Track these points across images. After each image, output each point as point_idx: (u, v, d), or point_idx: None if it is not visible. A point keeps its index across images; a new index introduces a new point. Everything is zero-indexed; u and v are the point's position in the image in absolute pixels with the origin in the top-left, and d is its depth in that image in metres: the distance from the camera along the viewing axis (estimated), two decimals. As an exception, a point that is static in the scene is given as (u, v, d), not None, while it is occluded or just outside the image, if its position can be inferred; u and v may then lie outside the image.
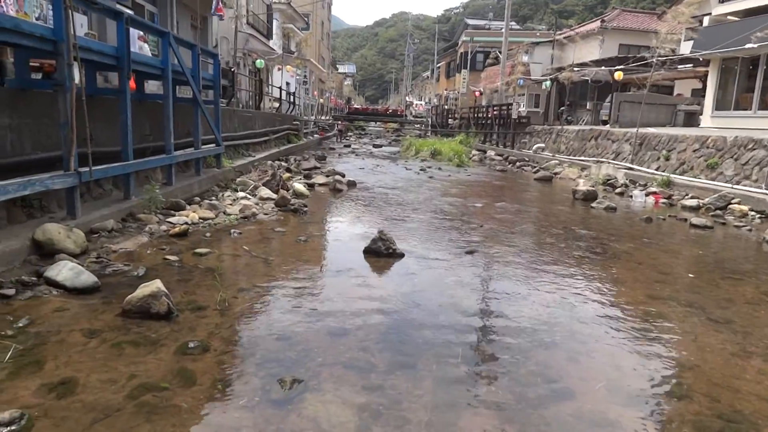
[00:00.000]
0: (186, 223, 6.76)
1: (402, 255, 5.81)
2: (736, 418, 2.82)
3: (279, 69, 27.86)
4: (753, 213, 9.67)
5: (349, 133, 41.43)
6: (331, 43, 71.32)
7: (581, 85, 26.07)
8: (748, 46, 13.59)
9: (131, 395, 2.70)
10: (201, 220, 6.99)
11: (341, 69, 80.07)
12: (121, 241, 5.56)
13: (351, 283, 4.80)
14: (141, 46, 9.20)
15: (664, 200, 11.27)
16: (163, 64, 8.05)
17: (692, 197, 11.13)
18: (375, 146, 28.39)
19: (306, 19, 42.14)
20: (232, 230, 6.56)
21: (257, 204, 8.41)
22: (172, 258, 5.20)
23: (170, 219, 6.78)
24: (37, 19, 5.96)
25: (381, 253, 5.77)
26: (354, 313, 4.03)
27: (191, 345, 3.31)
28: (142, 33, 8.75)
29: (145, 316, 3.66)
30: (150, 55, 8.58)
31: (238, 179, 10.31)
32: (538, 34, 40.14)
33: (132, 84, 8.94)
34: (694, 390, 3.12)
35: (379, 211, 8.84)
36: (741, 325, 4.19)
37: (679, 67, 21.79)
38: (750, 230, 8.42)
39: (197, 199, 8.04)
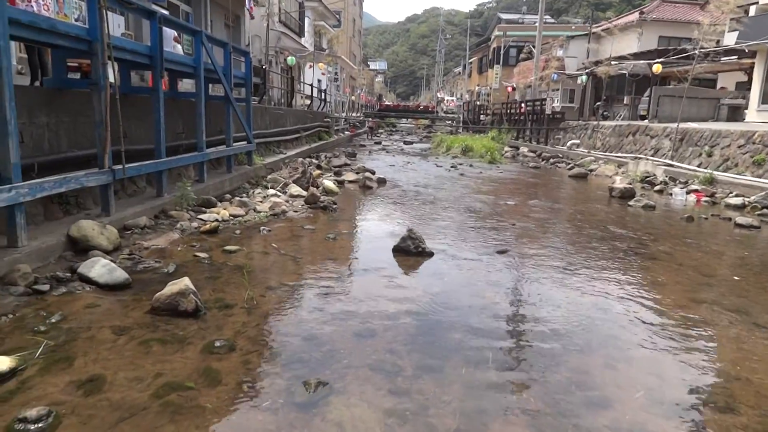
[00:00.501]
0: (217, 220, 6.82)
1: (431, 254, 5.71)
2: (788, 434, 2.63)
3: (310, 66, 28.00)
4: (803, 212, 9.19)
5: (380, 130, 41.39)
6: (362, 39, 71.41)
7: (618, 79, 25.31)
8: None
9: (157, 394, 2.69)
10: (231, 217, 7.04)
11: (372, 66, 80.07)
12: (153, 238, 5.63)
13: (379, 283, 4.73)
14: (175, 45, 9.35)
15: (707, 198, 10.82)
16: (196, 63, 8.13)
17: (737, 195, 10.65)
18: (406, 143, 28.26)
19: (337, 16, 42.28)
20: (262, 227, 6.57)
21: (287, 201, 8.43)
22: (202, 255, 5.23)
23: (201, 216, 6.85)
24: (76, 20, 6.10)
25: (410, 252, 5.68)
26: (381, 314, 3.96)
27: (217, 344, 3.30)
28: (176, 33, 8.89)
29: (174, 313, 3.68)
30: (183, 54, 8.70)
31: (269, 176, 10.36)
32: (573, 27, 39.17)
33: (165, 83, 9.12)
34: (741, 402, 2.93)
35: (409, 209, 8.74)
36: (792, 333, 3.94)
37: (723, 59, 20.92)
38: (800, 230, 7.99)
39: (228, 196, 8.10)
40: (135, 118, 7.24)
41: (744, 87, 22.86)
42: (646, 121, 19.32)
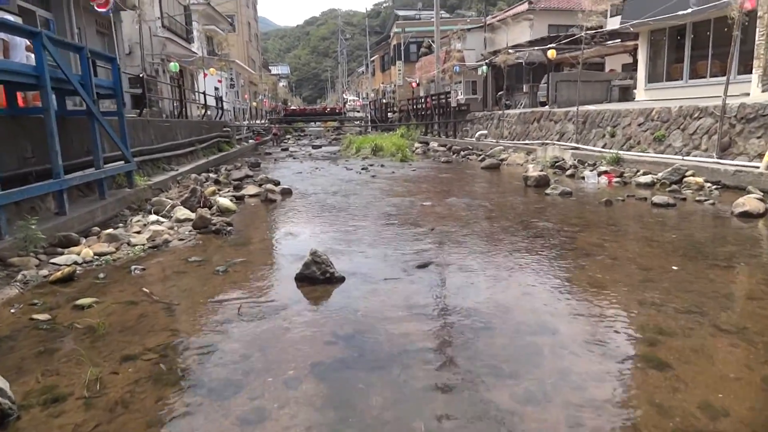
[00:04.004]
0: (75, 263, 5.49)
1: (342, 279, 4.80)
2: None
3: (205, 75, 26.13)
4: (709, 184, 9.27)
5: (288, 136, 39.88)
6: (261, 45, 69.02)
7: (516, 68, 25.81)
8: (689, 10, 13.31)
9: None
10: (96, 257, 5.72)
11: (274, 70, 77.79)
12: (-23, 301, 4.28)
13: (276, 331, 3.74)
14: (28, 56, 7.80)
15: (617, 179, 10.79)
16: (38, 71, 6.66)
17: (645, 173, 10.69)
18: (314, 147, 27.17)
19: (230, 20, 40.22)
20: (134, 266, 5.34)
21: (172, 228, 7.17)
22: (42, 317, 3.98)
23: (55, 260, 5.50)
24: None
25: (317, 280, 4.74)
26: (278, 383, 2.99)
27: (21, 477, 2.19)
28: (27, 42, 7.40)
29: (-36, 429, 2.50)
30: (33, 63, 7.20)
31: (154, 199, 8.98)
32: (468, 20, 39.86)
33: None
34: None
35: (317, 223, 7.79)
36: (756, 332, 3.45)
37: (608, 43, 21.83)
38: (713, 204, 7.93)
39: (96, 229, 6.72)
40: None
41: (630, 68, 24.03)
42: (547, 107, 19.64)
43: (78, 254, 5.70)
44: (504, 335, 3.57)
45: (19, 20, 10.04)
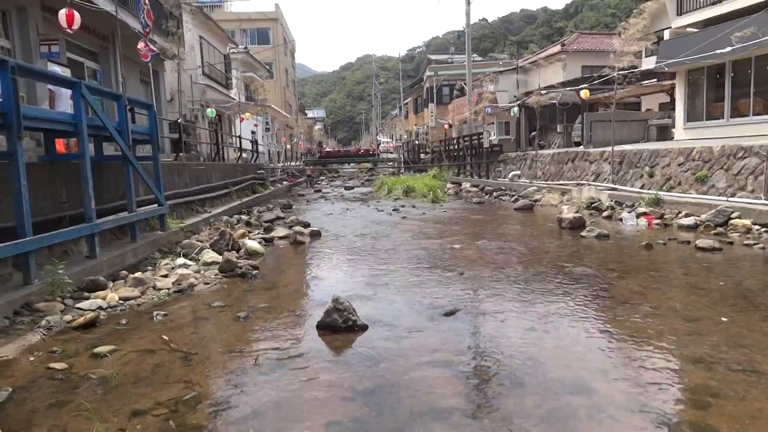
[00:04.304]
0: (100, 308, 5.49)
1: (365, 327, 4.61)
2: None
3: (242, 119, 26.95)
4: (757, 227, 8.76)
5: (321, 178, 40.47)
6: (299, 89, 71.27)
7: (549, 108, 25.65)
8: (728, 49, 12.99)
9: None
10: (120, 302, 5.71)
11: (310, 114, 79.97)
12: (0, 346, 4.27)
13: (293, 384, 3.56)
14: (71, 104, 8.14)
15: (657, 221, 10.33)
16: (76, 119, 6.89)
17: (687, 215, 10.22)
18: (347, 188, 27.38)
19: (268, 67, 41.79)
20: (156, 312, 5.29)
21: (199, 271, 7.16)
22: (59, 366, 3.91)
23: (80, 304, 5.50)
24: None
25: (338, 328, 4.57)
26: (288, 441, 2.80)
27: None
28: (71, 91, 7.73)
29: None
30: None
31: (184, 241, 9.05)
32: (500, 63, 40.23)
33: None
34: None
35: (344, 266, 7.65)
36: (823, 397, 3.07)
37: (644, 82, 21.52)
38: (763, 248, 7.44)
39: (124, 273, 6.75)
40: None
41: (667, 107, 23.57)
42: (581, 147, 19.31)
43: (104, 299, 5.70)
44: (536, 393, 3.28)
45: (67, 71, 10.58)
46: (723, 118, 16.44)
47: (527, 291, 5.77)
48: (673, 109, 20.19)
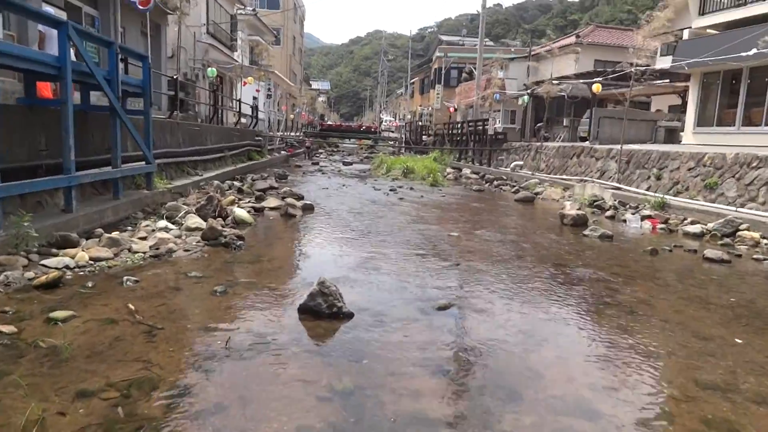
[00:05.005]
0: (66, 266, 5.08)
1: (350, 315, 4.24)
2: None
3: (245, 83, 26.23)
4: (766, 241, 8.42)
5: (321, 151, 39.84)
6: (305, 60, 69.95)
7: (558, 101, 25.11)
8: (752, 52, 12.48)
9: None
10: (90, 262, 5.30)
11: (315, 85, 78.70)
12: (-53, 302, 3.86)
13: (264, 375, 3.19)
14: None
15: (662, 225, 9.97)
16: (60, 62, 6.38)
17: (693, 222, 9.86)
18: (345, 164, 26.85)
19: (276, 32, 40.75)
20: (127, 277, 4.88)
21: (180, 236, 6.75)
22: (6, 330, 3.52)
23: (46, 261, 5.09)
24: None
25: (322, 314, 4.19)
26: (250, 445, 2.43)
27: None
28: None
29: None
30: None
31: (169, 204, 8.61)
32: (512, 50, 39.42)
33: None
34: None
35: (334, 245, 7.26)
36: None
37: (657, 82, 20.99)
38: (774, 265, 7.11)
39: (99, 231, 6.32)
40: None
41: (677, 110, 23.10)
42: (587, 142, 18.87)
43: (72, 257, 5.29)
44: (535, 412, 2.93)
45: (63, 15, 9.99)
46: (734, 125, 16.01)
47: (527, 290, 5.40)
48: (684, 111, 19.73)
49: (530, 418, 2.86)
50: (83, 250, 5.52)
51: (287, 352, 3.51)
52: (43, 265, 4.99)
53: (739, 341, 4.15)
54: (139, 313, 4.03)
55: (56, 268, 4.96)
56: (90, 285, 4.67)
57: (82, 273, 5.03)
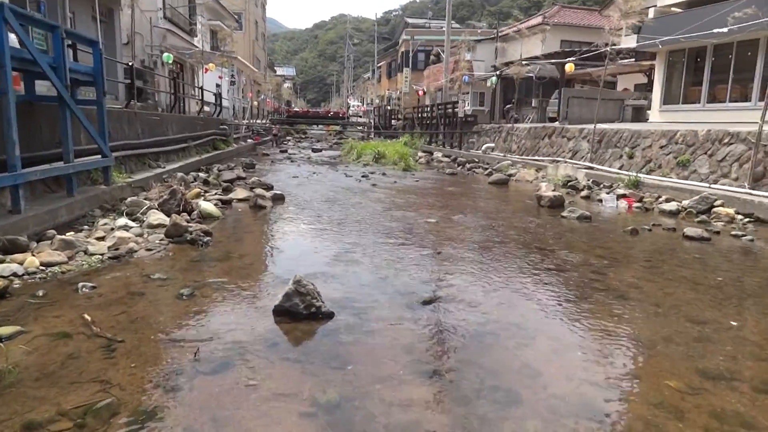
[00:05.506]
0: (14, 274, 4.62)
1: (331, 315, 3.94)
2: None
3: (206, 70, 25.30)
4: (740, 216, 8.46)
5: (288, 138, 39.05)
6: (269, 45, 68.33)
7: (526, 82, 25.06)
8: (725, 29, 12.50)
9: None
10: (42, 268, 4.84)
11: (279, 71, 77.13)
12: None
13: (238, 390, 2.87)
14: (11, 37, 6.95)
15: (638, 204, 9.95)
16: (-4, 49, 5.79)
17: (668, 199, 9.87)
18: (314, 150, 26.31)
19: (237, 17, 39.51)
20: (82, 283, 4.46)
21: (141, 235, 6.29)
22: (-60, 353, 3.10)
23: (-9, 269, 4.62)
24: None
25: (299, 315, 3.88)
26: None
27: None
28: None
29: None
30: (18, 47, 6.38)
31: (130, 199, 8.10)
32: (479, 32, 39.21)
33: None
34: None
35: (308, 237, 6.92)
36: None
37: (624, 61, 21.11)
38: (752, 240, 7.09)
39: (51, 232, 5.82)
40: None
41: (643, 88, 23.33)
42: (557, 123, 18.87)
43: (21, 263, 4.83)
44: (537, 416, 2.70)
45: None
46: (699, 102, 16.20)
47: (512, 278, 5.19)
48: (650, 90, 19.91)
49: (533, 423, 2.63)
50: (33, 255, 5.05)
51: (263, 361, 3.20)
52: (-12, 274, 4.52)
53: (734, 323, 4.03)
54: (96, 324, 3.64)
55: (2, 277, 4.50)
56: (41, 294, 4.23)
57: (31, 281, 4.58)
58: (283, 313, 3.90)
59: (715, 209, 8.84)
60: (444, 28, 31.56)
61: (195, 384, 2.90)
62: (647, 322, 4.03)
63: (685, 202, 9.31)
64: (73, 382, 2.88)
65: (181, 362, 3.15)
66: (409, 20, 54.28)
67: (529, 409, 2.77)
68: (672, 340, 3.67)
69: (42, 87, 8.43)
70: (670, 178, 10.95)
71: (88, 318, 3.74)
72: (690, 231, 7.23)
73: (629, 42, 20.52)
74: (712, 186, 9.79)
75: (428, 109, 30.53)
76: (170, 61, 18.87)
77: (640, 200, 10.20)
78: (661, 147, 11.78)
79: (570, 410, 2.76)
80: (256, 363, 3.17)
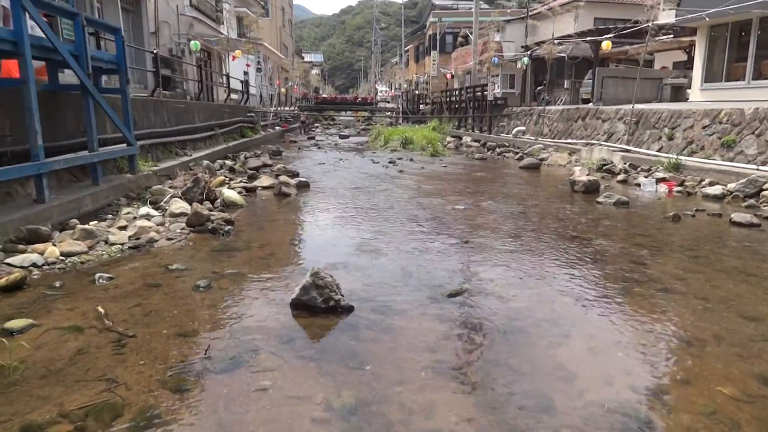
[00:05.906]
0: (34, 264, 4.57)
1: (350, 309, 3.73)
2: None
3: (234, 58, 25.28)
4: (793, 201, 7.88)
5: (317, 124, 38.98)
6: (297, 32, 68.22)
7: (558, 62, 24.21)
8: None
9: None
10: (61, 258, 4.79)
11: (307, 58, 76.98)
12: None
13: (249, 392, 2.69)
14: (32, 26, 6.93)
15: (679, 188, 9.42)
16: (16, 36, 5.74)
17: (711, 183, 9.31)
18: (341, 137, 26.13)
19: (263, 3, 39.42)
20: (99, 274, 4.37)
21: (162, 224, 6.21)
22: (-52, 348, 3.03)
23: (11, 259, 4.57)
24: None
25: (317, 309, 3.69)
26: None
27: None
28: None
29: None
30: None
31: (155, 187, 8.07)
32: (508, 11, 38.12)
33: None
34: None
35: (331, 226, 6.73)
36: None
37: (663, 38, 20.11)
38: (807, 227, 6.58)
39: (74, 221, 5.78)
40: None
41: (682, 66, 22.26)
42: (591, 104, 18.16)
43: (41, 253, 4.78)
44: (573, 426, 2.44)
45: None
46: (744, 79, 15.28)
47: (544, 269, 4.89)
48: (690, 68, 18.94)
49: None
50: (54, 245, 5.00)
51: (277, 360, 3.02)
52: (8, 264, 4.48)
53: (793, 320, 3.65)
54: (109, 317, 3.53)
55: (22, 267, 4.46)
56: (58, 285, 4.16)
57: (50, 271, 4.52)
58: (300, 307, 3.72)
59: (764, 192, 8.27)
60: (472, 9, 30.73)
61: (203, 384, 2.74)
62: (694, 318, 3.69)
63: (731, 186, 8.75)
64: (78, 380, 2.76)
65: (191, 360, 3.00)
66: (437, 2, 53.23)
67: (565, 418, 2.51)
68: (724, 339, 3.34)
69: (67, 76, 8.44)
70: (714, 159, 10.33)
71: (102, 310, 3.63)
72: (737, 216, 6.75)
73: (666, 18, 19.52)
74: (761, 168, 9.17)
75: (457, 92, 29.91)
76: (197, 49, 18.84)
77: (682, 184, 9.66)
78: (704, 127, 11.13)
79: (609, 420, 2.48)
80: (269, 361, 2.99)
